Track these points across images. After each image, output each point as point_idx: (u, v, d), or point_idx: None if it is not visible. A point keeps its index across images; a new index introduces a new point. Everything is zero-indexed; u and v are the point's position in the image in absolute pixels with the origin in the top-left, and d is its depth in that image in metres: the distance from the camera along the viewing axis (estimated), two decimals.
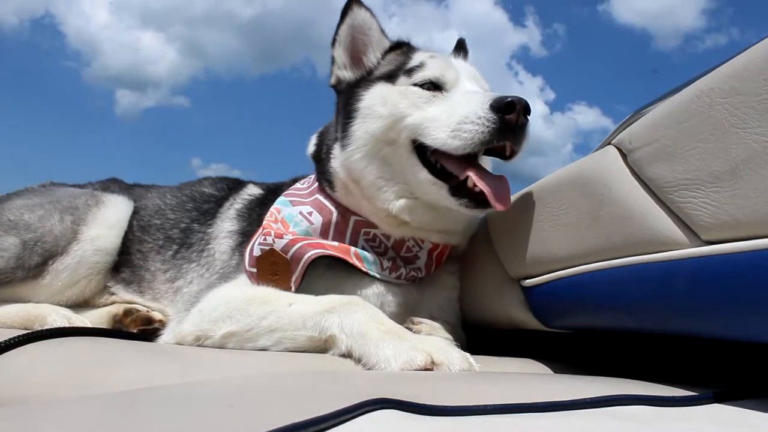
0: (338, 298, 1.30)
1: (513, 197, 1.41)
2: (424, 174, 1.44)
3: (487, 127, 1.33)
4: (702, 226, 0.86)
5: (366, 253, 1.49)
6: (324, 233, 1.53)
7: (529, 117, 1.35)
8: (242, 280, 1.51)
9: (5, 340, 1.12)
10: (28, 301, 1.79)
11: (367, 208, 1.52)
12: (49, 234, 1.82)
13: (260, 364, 1.19)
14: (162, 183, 2.31)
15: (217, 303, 1.39)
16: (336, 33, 1.65)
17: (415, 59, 1.58)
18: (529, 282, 1.31)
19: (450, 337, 1.38)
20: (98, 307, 1.93)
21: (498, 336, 1.59)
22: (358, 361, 1.14)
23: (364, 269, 1.47)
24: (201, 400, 0.77)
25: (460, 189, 1.39)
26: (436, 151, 1.43)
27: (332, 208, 1.55)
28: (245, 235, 1.69)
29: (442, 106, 1.44)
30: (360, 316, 1.20)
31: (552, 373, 1.27)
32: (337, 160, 1.56)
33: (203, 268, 1.80)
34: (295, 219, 1.54)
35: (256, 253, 1.49)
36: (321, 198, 1.59)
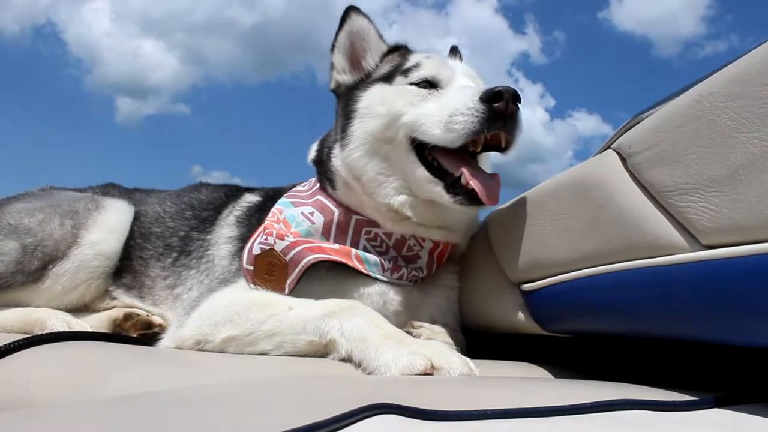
0: (338, 302, 1.30)
1: (513, 201, 1.42)
2: (421, 171, 1.47)
3: (477, 116, 1.36)
4: (702, 230, 0.86)
5: (367, 254, 1.49)
6: (326, 233, 1.53)
7: (519, 105, 1.38)
8: (242, 284, 1.51)
9: (5, 345, 1.11)
10: (28, 306, 1.79)
11: (368, 205, 1.53)
12: (49, 238, 1.82)
13: (260, 369, 1.19)
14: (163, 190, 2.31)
15: (217, 307, 1.39)
16: (335, 39, 1.70)
17: (412, 60, 1.62)
18: (528, 286, 1.31)
19: (450, 341, 1.38)
20: (99, 311, 1.93)
21: (498, 340, 1.59)
22: (358, 365, 1.14)
23: (365, 271, 1.47)
24: (201, 404, 0.77)
25: (454, 186, 1.42)
26: (435, 149, 1.46)
27: (334, 208, 1.56)
28: (244, 240, 1.69)
29: (437, 102, 1.47)
30: (360, 321, 1.20)
31: (552, 377, 1.26)
32: (337, 158, 1.58)
33: (203, 274, 1.81)
34: (297, 219, 1.55)
35: (256, 251, 1.49)
36: (322, 198, 1.60)
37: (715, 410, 0.79)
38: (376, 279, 1.49)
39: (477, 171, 1.42)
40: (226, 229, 1.85)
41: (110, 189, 2.26)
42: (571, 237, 1.15)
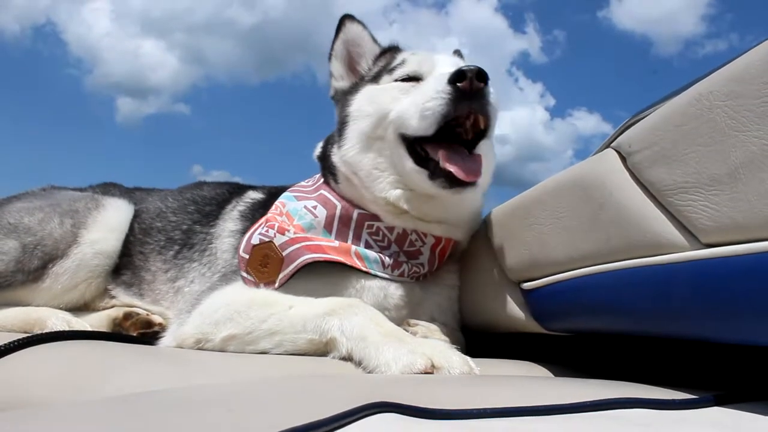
0: (339, 300, 1.30)
1: (513, 200, 1.42)
2: (409, 163, 1.48)
3: (444, 99, 1.38)
4: (702, 229, 0.86)
5: (367, 251, 1.50)
6: (328, 226, 1.54)
7: (488, 83, 1.39)
8: (242, 282, 1.51)
9: (5, 344, 1.11)
10: (28, 305, 1.79)
11: (368, 198, 1.55)
12: (49, 237, 1.82)
13: (260, 368, 1.19)
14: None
15: (218, 306, 1.39)
16: (332, 48, 1.77)
17: (398, 58, 1.66)
18: (529, 285, 1.31)
19: (447, 338, 1.39)
20: (98, 310, 1.93)
21: (498, 339, 1.59)
22: (359, 364, 1.14)
23: (364, 269, 1.48)
24: (200, 403, 0.77)
25: (436, 171, 1.42)
26: (424, 141, 1.46)
27: (336, 202, 1.57)
28: None
29: (416, 94, 1.49)
30: (360, 319, 1.20)
31: (552, 376, 1.27)
32: (336, 156, 1.62)
33: (205, 267, 1.81)
34: (300, 212, 1.56)
35: (255, 241, 1.51)
36: (325, 193, 1.61)
37: (715, 409, 0.79)
38: (376, 275, 1.49)
39: (454, 152, 1.43)
40: (229, 223, 1.85)
41: (110, 188, 2.26)
42: (571, 236, 1.15)
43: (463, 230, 1.63)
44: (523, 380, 1.09)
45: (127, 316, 1.82)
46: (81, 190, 2.21)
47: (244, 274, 1.51)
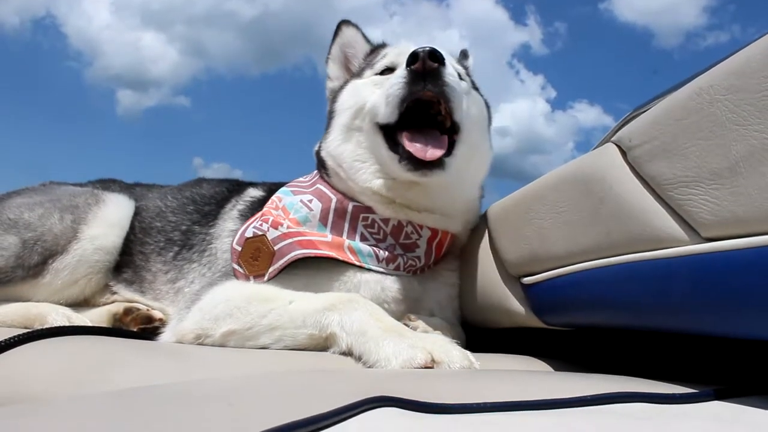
0: (338, 295, 1.30)
1: (513, 194, 1.42)
2: (383, 150, 1.51)
3: (401, 82, 1.43)
4: (702, 223, 0.86)
5: (360, 245, 1.50)
6: (323, 219, 1.55)
7: (444, 64, 1.42)
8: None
9: (5, 339, 1.11)
10: (28, 300, 1.79)
11: (356, 189, 1.57)
12: (49, 233, 1.82)
13: (260, 362, 1.19)
14: (163, 182, 2.32)
15: (218, 301, 1.39)
16: (329, 52, 1.86)
17: (381, 53, 1.73)
18: (529, 280, 1.31)
19: (447, 333, 1.39)
20: (99, 305, 1.93)
21: (498, 334, 1.59)
22: (359, 359, 1.15)
23: (358, 263, 1.48)
24: (200, 398, 0.77)
25: (403, 155, 1.44)
26: (398, 128, 1.49)
27: (331, 195, 1.59)
28: None
29: (386, 84, 1.53)
30: (360, 314, 1.20)
31: (552, 370, 1.27)
32: (324, 150, 1.67)
33: (205, 267, 1.81)
34: (296, 206, 1.58)
35: (248, 234, 1.53)
36: (321, 187, 1.63)
37: (715, 403, 0.79)
38: (370, 269, 1.50)
39: (421, 134, 1.45)
40: (229, 222, 1.85)
41: (110, 184, 2.26)
42: (572, 230, 1.15)
43: (459, 222, 1.63)
44: (523, 374, 1.09)
45: (128, 311, 1.82)
46: (81, 185, 2.21)
47: (236, 266, 1.53)
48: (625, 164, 1.03)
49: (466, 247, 1.68)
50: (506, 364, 1.30)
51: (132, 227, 2.02)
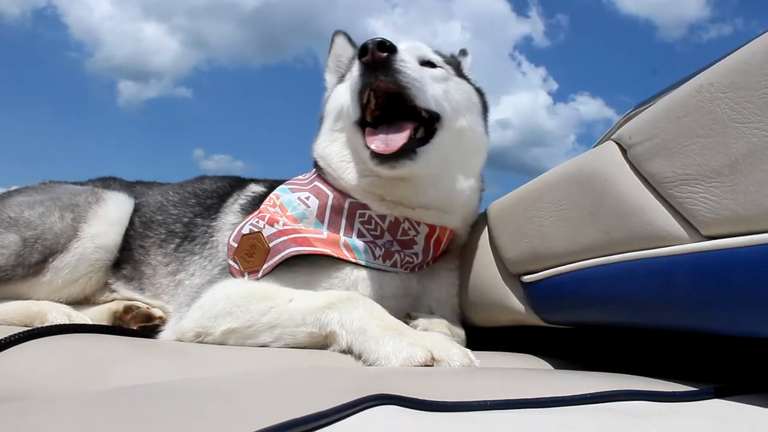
0: (338, 293, 1.30)
1: (513, 193, 1.42)
2: (361, 149, 1.51)
3: (355, 76, 1.44)
4: (702, 221, 0.86)
5: (356, 242, 1.50)
6: (320, 216, 1.56)
7: (397, 52, 1.42)
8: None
9: (5, 337, 1.12)
10: (29, 299, 1.79)
11: (348, 188, 1.57)
12: (49, 231, 1.83)
13: (260, 360, 1.19)
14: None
15: (218, 299, 1.40)
16: (327, 62, 1.91)
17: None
18: (529, 278, 1.31)
19: (447, 331, 1.39)
20: (99, 304, 1.93)
21: (497, 332, 1.59)
22: (359, 357, 1.15)
23: (353, 260, 1.48)
24: (200, 396, 0.77)
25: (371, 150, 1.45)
26: (363, 124, 1.50)
27: (328, 192, 1.59)
28: None
29: None
30: (360, 312, 1.20)
31: (552, 368, 1.27)
32: (315, 152, 1.70)
33: (206, 260, 1.82)
34: (293, 203, 1.58)
35: (245, 231, 1.54)
36: (319, 184, 1.63)
37: (715, 401, 0.79)
38: (367, 266, 1.49)
39: (383, 127, 1.45)
40: (231, 216, 1.86)
41: (111, 182, 2.26)
42: (572, 228, 1.15)
43: (457, 217, 1.61)
44: (522, 373, 1.09)
45: (128, 309, 1.82)
46: (81, 184, 2.22)
47: (231, 262, 1.54)
48: (625, 162, 1.03)
49: (466, 245, 1.67)
50: (506, 362, 1.30)
51: (132, 223, 2.03)
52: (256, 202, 1.83)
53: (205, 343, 1.35)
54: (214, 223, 1.91)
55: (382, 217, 1.53)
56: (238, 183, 2.09)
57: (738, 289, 0.82)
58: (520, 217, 1.33)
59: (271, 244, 1.47)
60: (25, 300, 1.78)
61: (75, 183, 2.22)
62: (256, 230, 1.52)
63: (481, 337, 1.58)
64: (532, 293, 1.32)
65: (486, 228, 1.54)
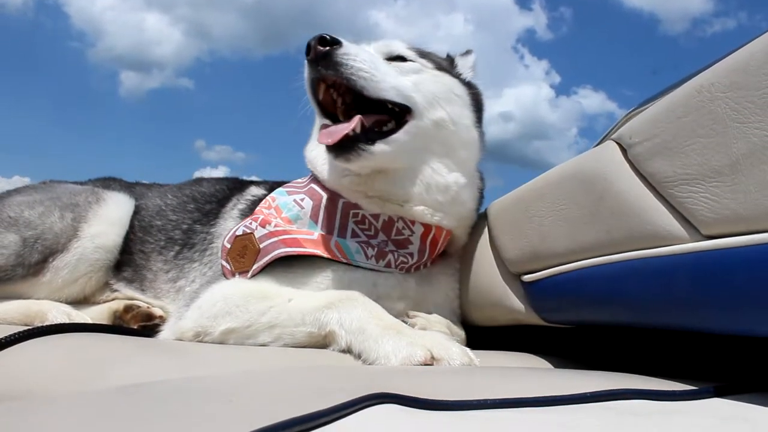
0: (338, 293, 1.30)
1: (513, 192, 1.42)
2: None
3: (305, 74, 1.46)
4: (702, 220, 0.86)
5: (348, 242, 1.49)
6: (314, 216, 1.56)
7: (339, 45, 1.42)
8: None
9: (5, 337, 1.12)
10: (29, 298, 1.79)
11: (335, 187, 1.57)
12: (49, 231, 1.83)
13: (260, 360, 1.19)
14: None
15: (216, 299, 1.39)
16: None
17: None
18: (529, 277, 1.31)
19: (447, 330, 1.39)
20: (99, 303, 1.93)
21: (498, 331, 1.59)
22: (358, 356, 1.15)
23: (344, 260, 1.47)
24: (200, 395, 0.77)
25: None
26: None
27: (322, 193, 1.59)
28: None
29: None
30: (359, 312, 1.20)
31: (552, 367, 1.27)
32: (305, 157, 1.72)
33: (206, 266, 1.82)
34: (288, 205, 1.59)
35: (239, 232, 1.55)
36: (314, 186, 1.63)
37: (715, 400, 0.79)
38: (359, 266, 1.49)
39: (345, 122, 1.45)
40: (230, 222, 1.86)
41: (111, 182, 2.26)
42: (572, 228, 1.15)
43: (450, 217, 1.57)
44: (522, 371, 1.09)
45: (128, 308, 1.82)
46: (81, 184, 2.22)
47: (223, 262, 1.55)
48: (626, 162, 1.03)
49: (466, 245, 1.67)
50: (506, 361, 1.30)
51: (132, 226, 2.02)
52: (256, 207, 1.84)
53: (205, 342, 1.35)
54: (213, 230, 1.90)
55: (376, 216, 1.52)
56: (237, 186, 2.08)
57: (738, 288, 0.82)
58: (521, 217, 1.33)
59: (261, 245, 1.48)
60: (25, 299, 1.78)
61: (74, 183, 2.22)
62: (248, 231, 1.53)
63: (481, 336, 1.58)
64: (533, 293, 1.32)
65: (486, 228, 1.54)
